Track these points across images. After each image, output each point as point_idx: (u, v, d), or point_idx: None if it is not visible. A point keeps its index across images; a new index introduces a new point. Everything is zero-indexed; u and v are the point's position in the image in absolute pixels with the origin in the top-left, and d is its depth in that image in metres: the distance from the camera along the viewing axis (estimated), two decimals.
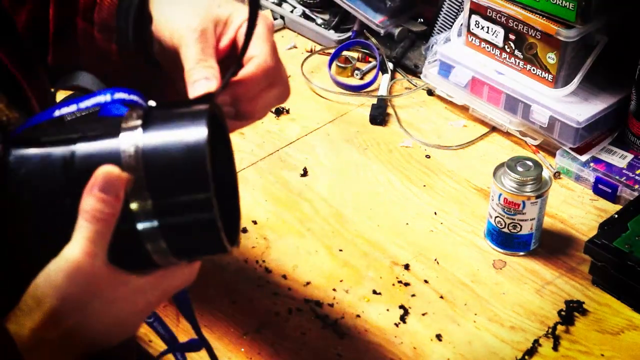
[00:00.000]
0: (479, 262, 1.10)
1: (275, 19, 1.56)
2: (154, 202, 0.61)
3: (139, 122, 0.62)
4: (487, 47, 1.29)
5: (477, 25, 1.28)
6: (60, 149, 0.62)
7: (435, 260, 1.10)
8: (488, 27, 1.27)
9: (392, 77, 1.43)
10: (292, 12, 1.55)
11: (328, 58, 1.45)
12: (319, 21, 1.52)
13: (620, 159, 1.21)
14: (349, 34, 1.50)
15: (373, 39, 1.47)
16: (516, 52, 1.25)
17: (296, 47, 1.51)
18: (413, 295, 1.05)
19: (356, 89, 1.41)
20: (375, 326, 1.01)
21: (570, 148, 1.22)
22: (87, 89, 0.72)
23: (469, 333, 1.00)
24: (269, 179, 1.22)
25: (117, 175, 0.61)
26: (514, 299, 1.05)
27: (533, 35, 1.22)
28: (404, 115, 1.35)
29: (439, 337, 1.00)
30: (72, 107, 0.65)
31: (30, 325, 0.61)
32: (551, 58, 1.21)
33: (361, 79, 1.44)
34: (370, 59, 1.47)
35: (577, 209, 1.18)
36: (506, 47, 1.26)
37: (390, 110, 1.36)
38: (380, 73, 1.43)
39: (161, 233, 0.62)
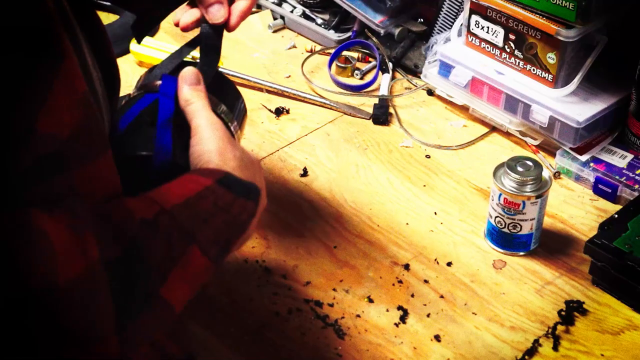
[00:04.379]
0: (479, 262, 1.10)
1: (275, 18, 1.56)
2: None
3: None
4: (487, 47, 1.29)
5: (477, 25, 1.28)
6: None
7: (435, 260, 1.10)
8: (488, 27, 1.27)
9: (392, 77, 1.43)
10: (292, 12, 1.55)
11: (328, 58, 1.45)
12: (319, 21, 1.52)
13: (620, 159, 1.21)
14: (349, 34, 1.50)
15: (373, 39, 1.47)
16: (516, 52, 1.25)
17: (296, 47, 1.51)
18: (413, 296, 1.05)
19: (356, 89, 1.41)
20: (375, 326, 1.01)
21: (570, 148, 1.22)
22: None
23: (469, 333, 1.00)
24: (269, 179, 1.22)
25: (192, 69, 0.87)
26: (514, 299, 1.05)
27: (533, 35, 1.22)
28: (404, 115, 1.35)
29: (438, 337, 1.00)
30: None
31: (217, 155, 0.81)
32: (551, 58, 1.21)
33: (361, 79, 1.44)
34: (370, 59, 1.47)
35: (577, 209, 1.18)
36: (506, 47, 1.26)
37: (390, 110, 1.36)
38: (380, 73, 1.43)
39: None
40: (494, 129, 1.32)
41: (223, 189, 0.77)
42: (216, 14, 0.92)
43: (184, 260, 0.71)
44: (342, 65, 1.44)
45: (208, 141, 0.81)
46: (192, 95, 0.85)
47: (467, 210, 1.18)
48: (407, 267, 1.09)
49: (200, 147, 0.81)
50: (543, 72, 1.23)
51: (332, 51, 1.46)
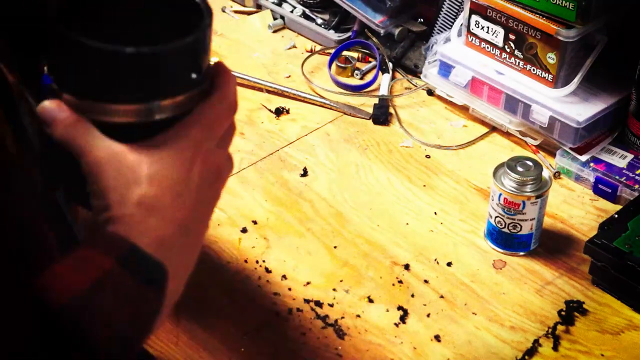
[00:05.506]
0: (479, 262, 1.10)
1: (275, 18, 1.56)
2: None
3: None
4: (487, 47, 1.29)
5: (477, 25, 1.28)
6: None
7: (435, 260, 1.10)
8: (488, 27, 1.27)
9: (392, 77, 1.43)
10: (292, 12, 1.55)
11: (328, 58, 1.45)
12: (319, 21, 1.52)
13: (620, 159, 1.21)
14: (349, 34, 1.50)
15: (373, 39, 1.47)
16: (516, 52, 1.25)
17: (296, 47, 1.51)
18: (413, 296, 1.05)
19: (356, 89, 1.41)
20: (375, 326, 1.01)
21: (570, 148, 1.22)
22: None
23: (469, 333, 1.00)
24: (269, 179, 1.22)
25: (46, 107, 0.65)
26: (514, 299, 1.05)
27: (533, 35, 1.22)
28: (404, 115, 1.35)
29: (438, 337, 1.00)
30: None
31: (110, 224, 0.64)
32: (551, 58, 1.21)
33: (361, 79, 1.44)
34: (370, 59, 1.47)
35: (577, 209, 1.18)
36: (506, 47, 1.26)
37: (390, 110, 1.36)
38: (380, 73, 1.43)
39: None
40: (494, 129, 1.32)
41: (123, 272, 0.63)
42: None
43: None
44: (342, 65, 1.44)
45: (106, 183, 0.64)
46: (66, 131, 0.65)
47: (467, 210, 1.18)
48: (407, 267, 1.09)
49: (98, 188, 0.65)
50: (543, 72, 1.23)
51: (332, 51, 1.46)
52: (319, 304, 1.03)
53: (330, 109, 1.37)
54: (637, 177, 1.18)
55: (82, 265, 0.62)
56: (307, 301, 1.04)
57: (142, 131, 0.66)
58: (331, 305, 1.03)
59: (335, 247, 1.11)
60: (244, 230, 1.13)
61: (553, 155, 1.25)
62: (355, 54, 1.47)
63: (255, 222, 1.15)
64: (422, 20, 1.48)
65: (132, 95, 0.65)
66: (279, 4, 1.57)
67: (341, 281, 1.07)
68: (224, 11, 1.60)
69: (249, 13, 1.59)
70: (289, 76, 1.44)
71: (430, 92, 1.40)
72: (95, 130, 0.65)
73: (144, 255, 0.64)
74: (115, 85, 0.65)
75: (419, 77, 1.40)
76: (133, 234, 0.64)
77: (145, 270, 0.64)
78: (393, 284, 1.06)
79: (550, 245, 1.12)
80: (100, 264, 0.62)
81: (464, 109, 1.35)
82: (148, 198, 0.64)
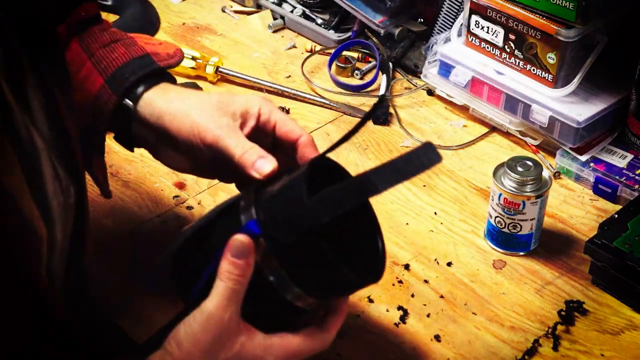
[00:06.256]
0: (479, 262, 1.10)
1: (275, 18, 1.56)
2: (281, 264, 0.75)
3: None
4: (487, 47, 1.29)
5: (477, 25, 1.28)
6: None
7: (435, 260, 1.10)
8: (488, 27, 1.27)
9: (392, 77, 1.43)
10: (292, 12, 1.55)
11: (328, 58, 1.45)
12: (319, 21, 1.52)
13: (620, 159, 1.21)
14: (349, 34, 1.50)
15: (373, 39, 1.47)
16: (516, 52, 1.25)
17: (296, 47, 1.51)
18: (413, 296, 1.05)
19: (356, 89, 1.41)
20: (375, 326, 1.01)
21: (570, 148, 1.22)
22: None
23: (469, 333, 1.00)
24: None
25: (244, 243, 0.74)
26: (514, 299, 1.05)
27: (533, 35, 1.22)
28: (404, 115, 1.35)
29: (438, 337, 1.00)
30: None
31: None
32: (551, 58, 1.21)
33: (361, 79, 1.44)
34: (370, 59, 1.47)
35: (577, 209, 1.18)
36: (506, 47, 1.26)
37: (390, 110, 1.36)
38: (380, 73, 1.43)
39: (292, 281, 0.76)
40: (494, 129, 1.32)
41: None
42: (263, 167, 0.81)
43: None
44: (342, 65, 1.44)
45: (199, 335, 0.74)
46: (223, 271, 0.75)
47: (467, 210, 1.18)
48: (407, 267, 1.09)
49: (194, 329, 0.74)
50: (543, 72, 1.23)
51: (332, 51, 1.46)
52: None
53: (330, 109, 1.37)
54: (637, 177, 1.18)
55: None
56: None
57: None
58: None
59: None
60: None
61: (553, 155, 1.25)
62: (355, 54, 1.47)
63: None
64: (422, 20, 1.48)
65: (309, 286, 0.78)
66: (279, 4, 1.57)
67: None
68: (224, 11, 1.60)
69: (249, 13, 1.59)
70: (289, 76, 1.44)
71: (430, 92, 1.40)
72: (240, 299, 0.75)
73: None
74: (310, 279, 0.77)
75: (419, 77, 1.40)
76: None
77: None
78: (393, 284, 1.06)
79: (550, 245, 1.12)
80: None
81: (464, 109, 1.35)
82: None
